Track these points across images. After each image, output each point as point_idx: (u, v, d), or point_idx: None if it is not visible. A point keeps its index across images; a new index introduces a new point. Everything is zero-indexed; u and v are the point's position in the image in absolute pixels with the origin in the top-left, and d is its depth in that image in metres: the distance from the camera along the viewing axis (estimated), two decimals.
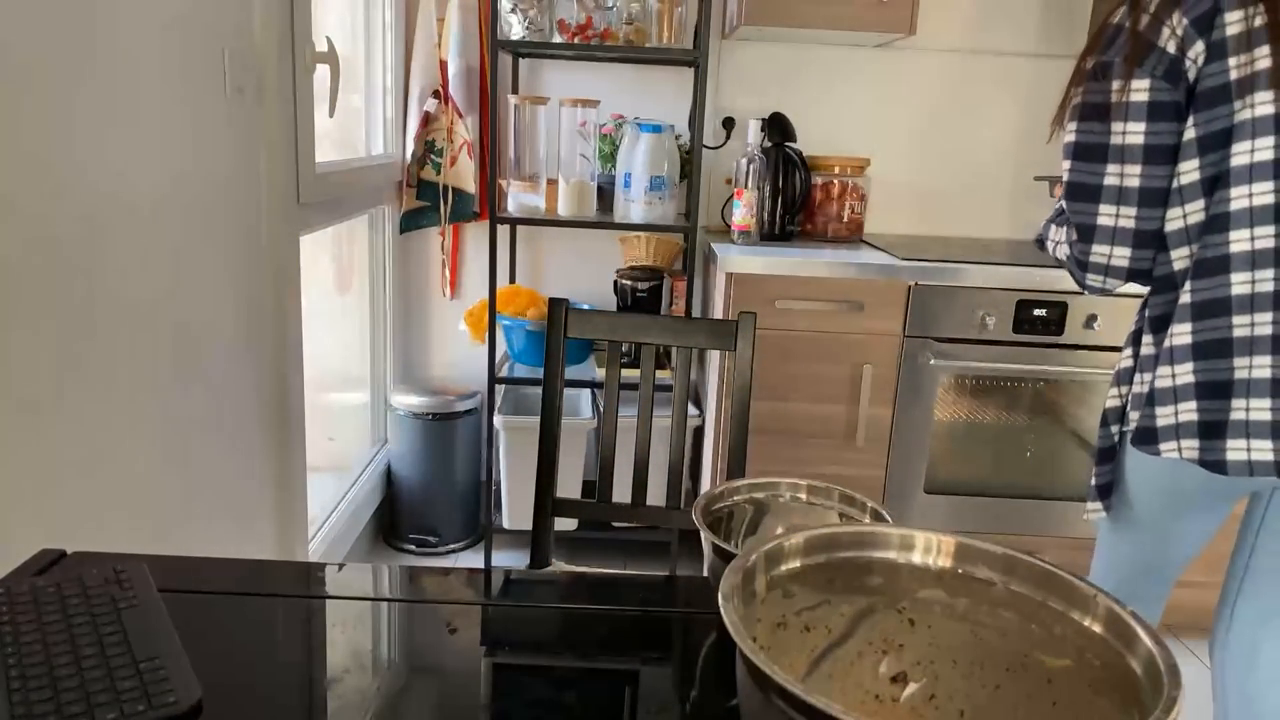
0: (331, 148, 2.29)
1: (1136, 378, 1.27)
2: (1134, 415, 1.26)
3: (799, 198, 2.45)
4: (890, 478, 2.30)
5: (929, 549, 0.72)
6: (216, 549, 1.58)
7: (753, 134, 2.35)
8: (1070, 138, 1.25)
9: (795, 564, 0.71)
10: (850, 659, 0.72)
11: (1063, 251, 1.32)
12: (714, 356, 2.33)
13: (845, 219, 2.51)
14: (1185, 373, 1.18)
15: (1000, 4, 2.60)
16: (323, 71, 1.89)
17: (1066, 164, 1.25)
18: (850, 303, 2.18)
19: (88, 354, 1.19)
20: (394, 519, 2.66)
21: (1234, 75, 1.11)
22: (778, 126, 2.44)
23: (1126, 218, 1.18)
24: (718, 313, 2.27)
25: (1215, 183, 1.14)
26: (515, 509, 2.54)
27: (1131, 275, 1.23)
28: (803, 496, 0.98)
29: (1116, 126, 1.16)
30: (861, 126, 2.69)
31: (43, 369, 1.11)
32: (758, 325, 2.18)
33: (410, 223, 2.64)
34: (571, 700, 0.75)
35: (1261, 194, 1.12)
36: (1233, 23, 1.11)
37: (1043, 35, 2.62)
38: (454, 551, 2.66)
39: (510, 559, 2.63)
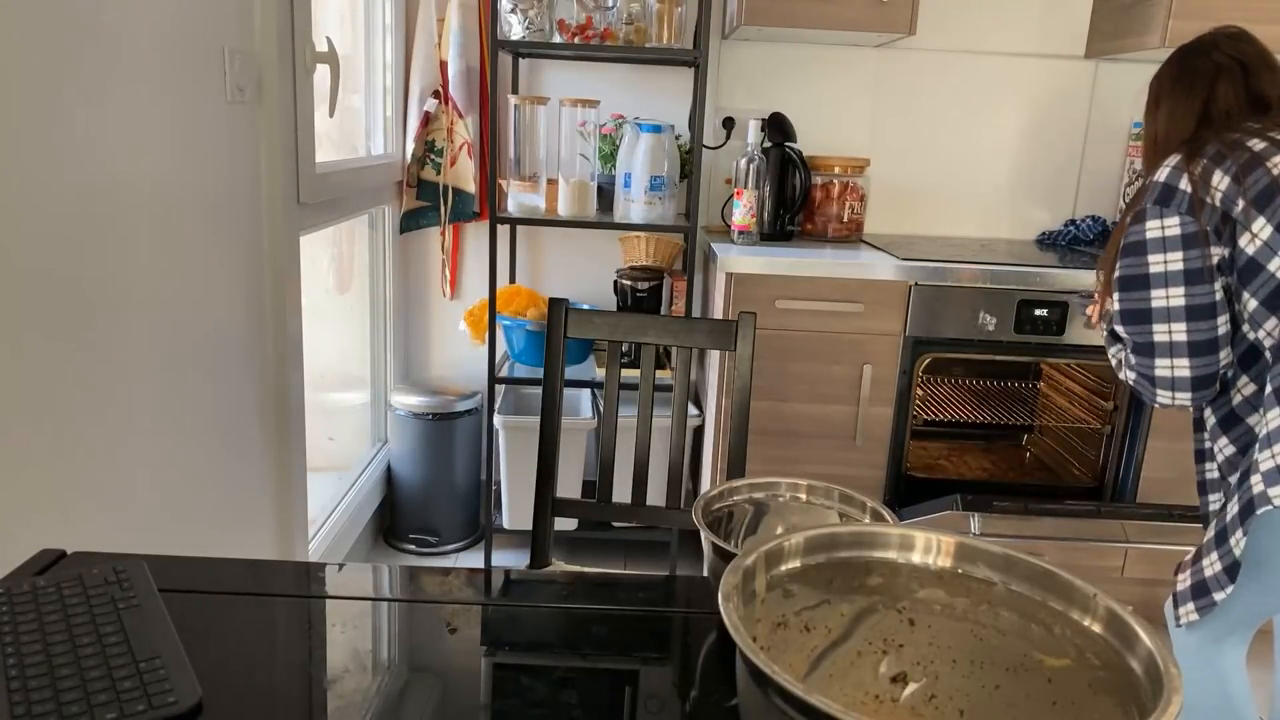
0: (331, 148, 2.29)
1: (1232, 476, 1.35)
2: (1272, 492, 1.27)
3: (799, 198, 2.45)
4: (890, 478, 2.30)
5: (929, 549, 0.72)
6: (216, 549, 1.58)
7: (753, 134, 2.35)
8: (1116, 273, 1.40)
9: (795, 564, 0.71)
10: (850, 659, 0.72)
11: (1129, 374, 1.44)
12: (714, 356, 2.33)
13: (845, 219, 2.51)
14: (1277, 420, 1.23)
15: (1000, 4, 2.60)
16: (323, 71, 1.89)
17: (1116, 294, 1.41)
18: (850, 303, 2.18)
19: (88, 354, 1.19)
20: (394, 519, 2.66)
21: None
22: (778, 126, 2.44)
23: (1179, 333, 1.33)
24: (718, 313, 2.27)
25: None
26: (515, 509, 2.54)
27: (1195, 384, 1.35)
28: (803, 496, 0.98)
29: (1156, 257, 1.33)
30: (861, 126, 2.69)
31: (43, 369, 1.11)
32: (758, 325, 2.18)
33: (410, 223, 2.64)
34: (571, 700, 0.75)
35: None
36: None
37: (1043, 35, 2.62)
38: (454, 551, 2.66)
39: (510, 559, 2.63)
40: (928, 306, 2.18)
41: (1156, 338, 1.34)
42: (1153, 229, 1.32)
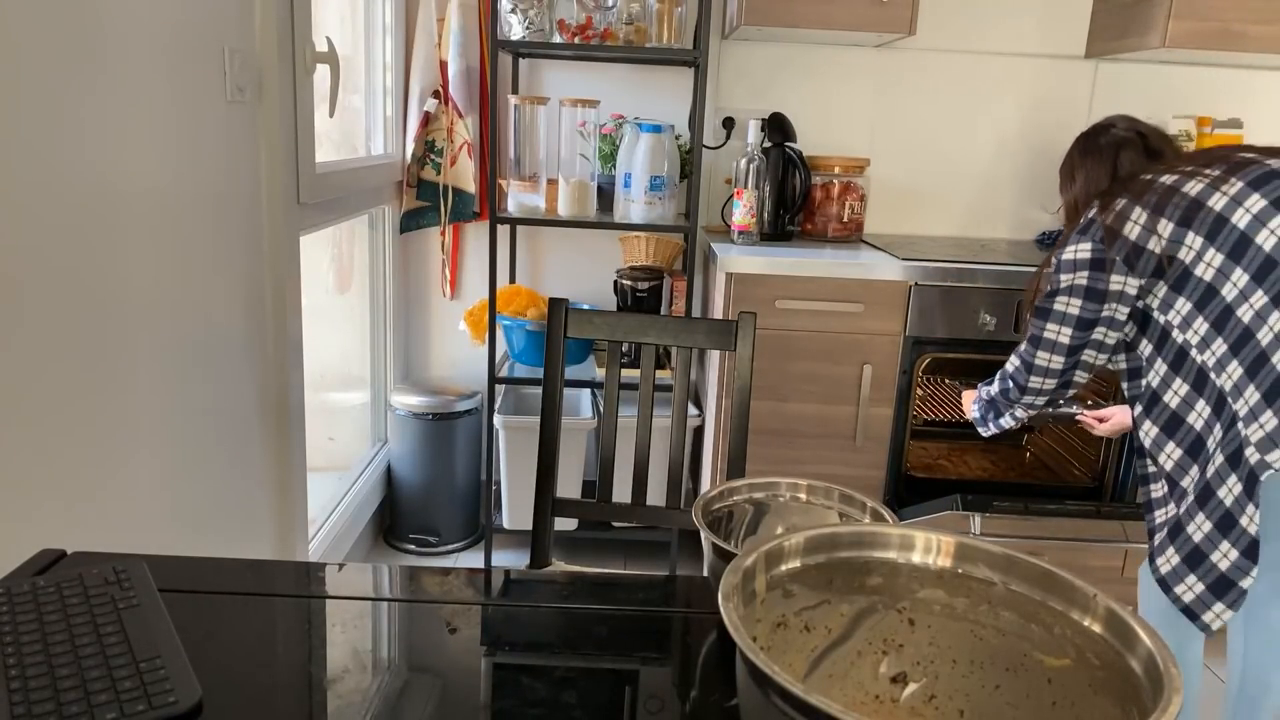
0: (331, 148, 2.29)
1: (1192, 475, 1.43)
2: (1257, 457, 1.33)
3: (799, 198, 2.45)
4: (890, 478, 2.30)
5: (929, 549, 0.72)
6: (216, 549, 1.58)
7: (753, 134, 2.35)
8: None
9: (795, 564, 0.71)
10: (850, 659, 0.72)
11: (1010, 364, 1.70)
12: (714, 356, 2.33)
13: (845, 219, 2.51)
14: (1271, 421, 1.29)
15: (1000, 4, 2.60)
16: (323, 71, 1.89)
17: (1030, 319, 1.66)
18: (850, 303, 2.18)
19: (88, 354, 1.19)
20: (394, 519, 2.66)
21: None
22: (778, 126, 2.44)
23: (1064, 335, 1.59)
24: (718, 313, 2.27)
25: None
26: (515, 509, 2.54)
27: (1062, 373, 1.61)
28: (803, 496, 0.98)
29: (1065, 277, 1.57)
30: (861, 126, 2.69)
31: (43, 369, 1.11)
32: (758, 325, 2.18)
33: (410, 223, 2.64)
34: (571, 700, 0.75)
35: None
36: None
37: (1043, 35, 2.62)
38: (454, 551, 2.66)
39: (510, 559, 2.63)
40: (928, 306, 2.18)
41: (1046, 334, 1.59)
42: (1068, 252, 1.55)
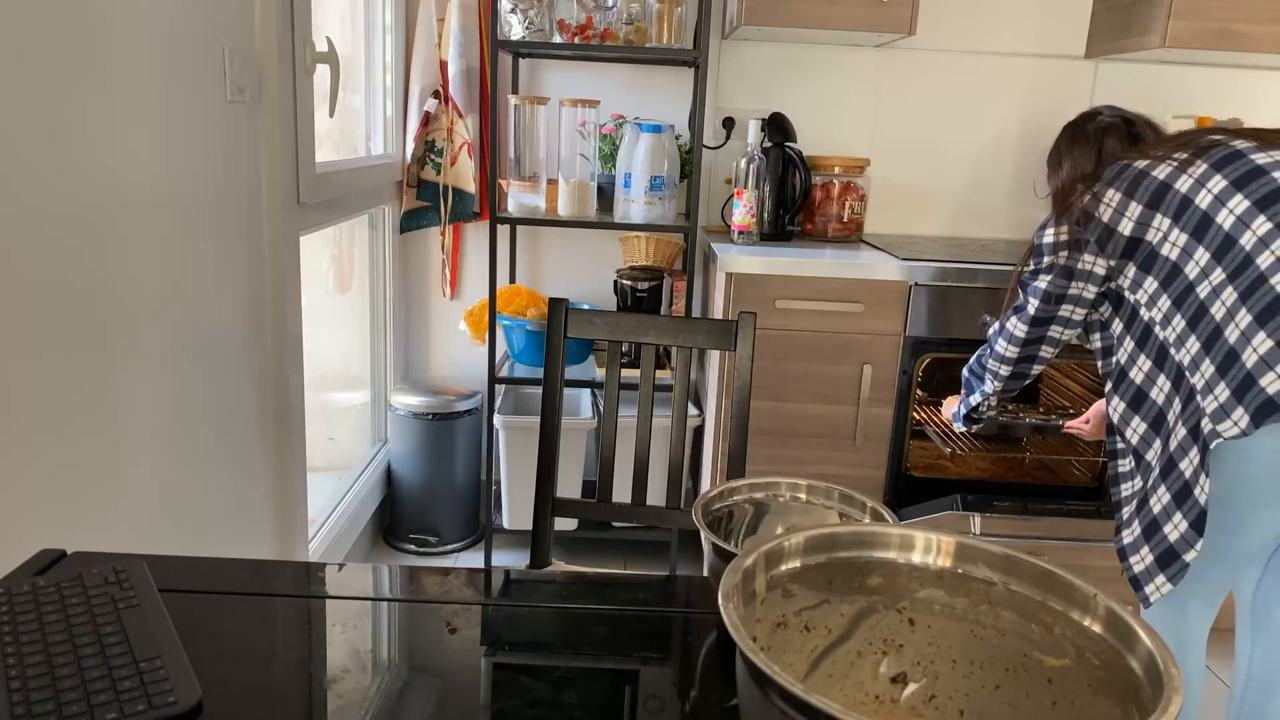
0: (331, 148, 2.29)
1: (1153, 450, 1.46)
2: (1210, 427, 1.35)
3: (799, 198, 2.45)
4: (890, 478, 2.30)
5: (929, 549, 0.72)
6: (216, 549, 1.58)
7: (753, 134, 2.35)
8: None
9: (795, 564, 0.71)
10: (850, 659, 0.72)
11: (979, 351, 1.81)
12: (714, 356, 2.33)
13: (845, 219, 2.51)
14: (1224, 393, 1.31)
15: (1000, 4, 2.60)
16: (323, 71, 1.89)
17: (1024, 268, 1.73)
18: (850, 303, 2.18)
19: (88, 354, 1.19)
20: (394, 519, 2.66)
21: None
22: (778, 126, 2.44)
23: (1031, 306, 1.67)
24: (718, 313, 2.27)
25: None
26: (515, 509, 2.54)
27: (1024, 343, 1.70)
28: (803, 496, 0.98)
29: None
30: (861, 126, 2.69)
31: (43, 369, 1.11)
32: (758, 325, 2.18)
33: (410, 223, 2.64)
34: (571, 700, 0.75)
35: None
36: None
37: (1043, 35, 2.62)
38: (454, 551, 2.66)
39: (510, 559, 2.63)
40: (928, 306, 2.18)
41: (1018, 301, 1.70)
42: (1048, 235, 1.62)
